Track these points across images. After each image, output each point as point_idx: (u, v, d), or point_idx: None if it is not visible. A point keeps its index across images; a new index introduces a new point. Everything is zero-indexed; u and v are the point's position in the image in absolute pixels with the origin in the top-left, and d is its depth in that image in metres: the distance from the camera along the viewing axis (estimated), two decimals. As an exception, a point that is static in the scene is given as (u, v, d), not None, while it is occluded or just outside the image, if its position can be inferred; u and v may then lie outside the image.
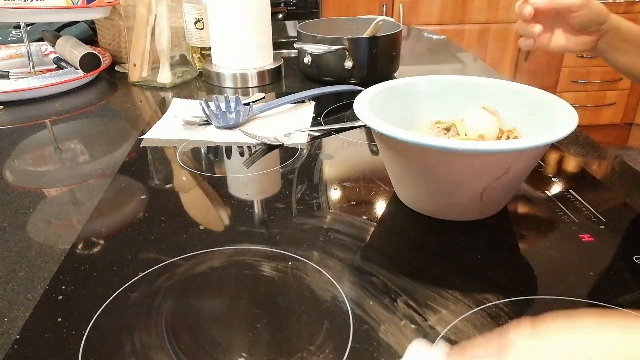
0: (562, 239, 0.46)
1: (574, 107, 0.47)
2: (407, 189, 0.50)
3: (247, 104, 0.76)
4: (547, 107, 0.49)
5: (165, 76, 0.93)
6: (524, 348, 0.31)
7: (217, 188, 0.56)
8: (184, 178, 0.59)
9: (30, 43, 1.01)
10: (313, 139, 0.68)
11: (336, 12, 2.18)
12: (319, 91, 0.81)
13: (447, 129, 0.52)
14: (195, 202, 0.54)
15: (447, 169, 0.44)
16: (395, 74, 0.97)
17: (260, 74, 0.93)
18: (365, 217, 0.50)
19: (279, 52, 1.07)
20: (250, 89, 0.92)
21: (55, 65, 1.03)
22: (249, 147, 0.66)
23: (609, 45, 0.61)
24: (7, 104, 0.84)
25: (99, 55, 0.97)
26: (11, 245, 0.47)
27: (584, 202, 0.51)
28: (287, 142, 0.67)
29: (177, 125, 0.73)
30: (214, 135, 0.70)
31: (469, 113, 0.51)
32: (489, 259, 0.43)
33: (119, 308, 0.38)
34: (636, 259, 0.43)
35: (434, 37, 1.33)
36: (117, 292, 0.40)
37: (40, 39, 1.10)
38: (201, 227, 0.48)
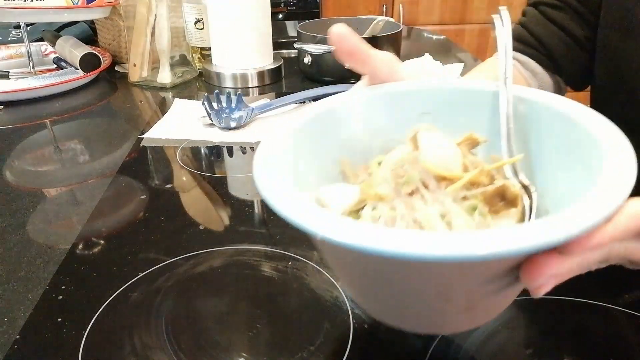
0: (562, 239, 0.46)
1: None
2: (367, 301, 0.30)
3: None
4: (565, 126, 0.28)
5: (165, 76, 0.93)
6: None
7: (217, 188, 0.56)
8: (184, 178, 0.59)
9: (30, 43, 1.01)
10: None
11: (336, 12, 2.18)
12: (319, 91, 0.81)
13: (411, 192, 0.27)
14: (195, 202, 0.54)
15: (429, 280, 0.24)
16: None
17: (260, 74, 0.93)
18: (365, 217, 0.50)
19: (279, 52, 1.07)
20: (250, 89, 0.92)
21: (55, 65, 1.03)
22: (252, 148, 0.66)
23: None
24: (7, 104, 0.84)
25: (99, 55, 0.97)
26: (11, 245, 0.47)
27: (584, 202, 0.51)
28: None
29: (177, 125, 0.73)
30: (214, 135, 0.70)
31: (422, 140, 0.29)
32: (489, 259, 0.43)
33: (119, 308, 0.38)
34: (636, 259, 0.43)
35: (434, 37, 1.33)
36: (117, 292, 0.40)
37: (40, 39, 1.10)
38: (201, 227, 0.48)
